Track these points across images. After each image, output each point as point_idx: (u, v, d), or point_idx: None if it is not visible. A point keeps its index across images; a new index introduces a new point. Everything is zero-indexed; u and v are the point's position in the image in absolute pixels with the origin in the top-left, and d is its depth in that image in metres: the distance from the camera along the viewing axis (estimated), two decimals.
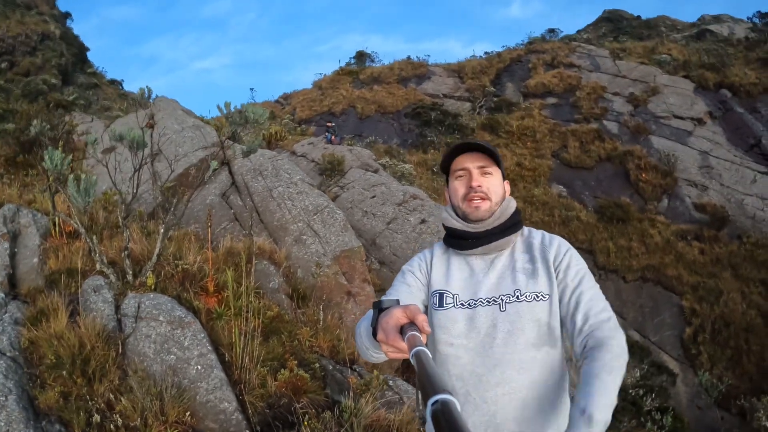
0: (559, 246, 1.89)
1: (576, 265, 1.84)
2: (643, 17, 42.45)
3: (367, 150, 17.17)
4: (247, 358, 5.09)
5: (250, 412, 4.77)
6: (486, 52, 34.07)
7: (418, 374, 0.97)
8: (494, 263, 1.90)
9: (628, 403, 11.10)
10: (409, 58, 32.95)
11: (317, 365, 5.71)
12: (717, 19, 36.58)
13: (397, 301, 1.44)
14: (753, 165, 20.57)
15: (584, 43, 31.08)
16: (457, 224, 1.95)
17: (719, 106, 23.51)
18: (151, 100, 8.13)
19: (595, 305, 1.73)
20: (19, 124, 10.16)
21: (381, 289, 10.87)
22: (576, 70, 27.16)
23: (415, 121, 25.73)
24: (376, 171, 15.20)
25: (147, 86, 6.34)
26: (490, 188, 1.90)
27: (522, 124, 24.08)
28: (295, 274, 8.02)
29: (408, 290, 1.93)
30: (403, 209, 12.75)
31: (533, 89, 26.77)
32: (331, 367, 6.04)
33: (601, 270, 17.04)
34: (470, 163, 1.91)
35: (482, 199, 1.88)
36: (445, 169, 2.00)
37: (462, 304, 1.85)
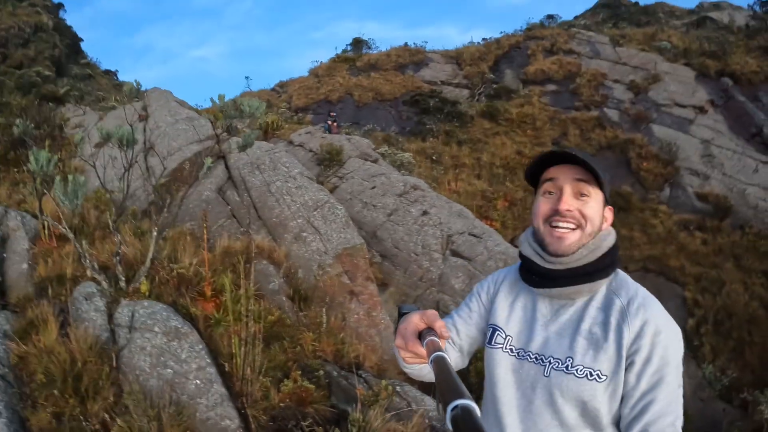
0: (644, 324, 1.41)
1: (659, 360, 1.39)
2: (641, 3, 42.05)
3: (366, 139, 16.87)
4: (249, 369, 4.86)
5: (253, 426, 4.54)
6: (484, 39, 33.55)
7: (437, 380, 0.96)
8: (560, 312, 1.53)
9: None
10: (406, 44, 32.45)
11: (321, 372, 5.50)
12: (716, 6, 36.14)
13: (417, 307, 1.37)
14: (755, 154, 20.34)
15: (583, 30, 30.68)
16: (530, 251, 1.58)
17: (721, 94, 23.21)
18: (143, 90, 7.82)
19: (661, 420, 1.35)
20: (8, 119, 9.85)
21: (383, 284, 10.63)
22: (576, 57, 26.76)
23: (413, 108, 25.41)
24: (375, 161, 14.92)
25: (136, 80, 6.04)
26: (587, 214, 1.50)
27: (521, 112, 23.74)
28: (295, 274, 7.76)
29: (468, 314, 1.74)
30: (404, 200, 12.51)
31: (532, 76, 26.38)
32: (335, 374, 5.82)
33: None
34: (564, 175, 1.51)
35: (571, 228, 1.49)
36: (532, 179, 1.62)
37: (511, 350, 1.57)
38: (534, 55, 27.88)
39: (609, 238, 1.54)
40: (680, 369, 1.41)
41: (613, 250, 1.54)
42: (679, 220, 17.57)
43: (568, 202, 1.49)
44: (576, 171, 1.50)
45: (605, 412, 1.42)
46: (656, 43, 27.22)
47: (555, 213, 1.50)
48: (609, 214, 1.57)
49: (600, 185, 1.51)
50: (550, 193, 1.54)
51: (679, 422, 1.36)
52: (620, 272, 1.55)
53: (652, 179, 19.28)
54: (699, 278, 15.45)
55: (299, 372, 5.14)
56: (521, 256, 1.62)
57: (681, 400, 1.39)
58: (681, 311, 15.00)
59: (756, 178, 19.22)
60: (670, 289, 15.63)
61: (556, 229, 1.50)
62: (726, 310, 14.49)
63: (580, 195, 1.50)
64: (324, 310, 6.76)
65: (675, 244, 16.63)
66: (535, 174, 1.59)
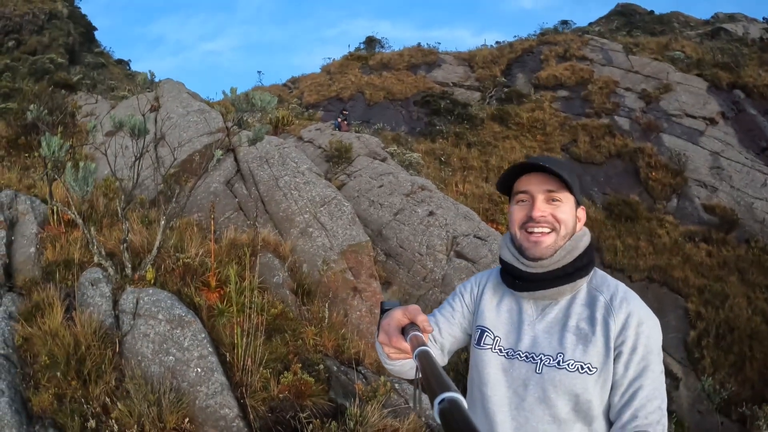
0: (628, 316, 1.51)
1: (643, 348, 1.49)
2: (656, 12, 41.99)
3: (375, 138, 16.91)
4: (249, 359, 4.90)
5: (251, 416, 4.59)
6: (497, 42, 33.66)
7: (422, 374, 0.96)
8: (546, 312, 1.60)
9: None
10: (419, 45, 32.55)
11: (321, 366, 5.53)
12: (731, 17, 36.03)
13: (399, 303, 1.38)
14: (764, 168, 20.24)
15: (597, 36, 30.60)
16: (510, 257, 1.65)
17: (732, 106, 23.10)
18: (156, 80, 7.86)
19: (649, 404, 1.45)
20: (21, 105, 9.92)
21: (386, 283, 10.67)
22: (588, 64, 26.72)
23: (424, 109, 25.41)
24: (384, 160, 14.97)
25: (150, 71, 6.10)
26: (560, 217, 1.57)
27: (532, 117, 23.72)
28: (300, 268, 7.81)
29: (450, 313, 1.77)
30: (410, 200, 12.55)
31: (544, 81, 26.35)
32: (335, 368, 5.86)
33: (607, 268, 16.83)
34: (535, 186, 1.58)
35: (545, 233, 1.57)
36: (504, 188, 1.69)
37: (500, 350, 1.63)
38: (547, 61, 27.86)
39: (585, 238, 1.64)
40: (661, 356, 1.51)
41: (589, 249, 1.63)
42: (685, 231, 17.51)
43: (541, 208, 1.57)
44: (546, 181, 1.58)
45: (597, 404, 1.50)
46: (669, 52, 27.16)
47: (529, 219, 1.58)
48: (582, 213, 1.66)
49: (570, 190, 1.59)
50: (523, 201, 1.62)
51: (664, 404, 1.47)
52: (598, 270, 1.65)
53: (660, 189, 19.23)
54: (702, 290, 15.38)
55: (299, 365, 5.17)
56: (501, 261, 1.70)
57: (664, 385, 1.50)
58: (683, 323, 14.94)
59: (764, 192, 19.12)
60: (673, 300, 15.57)
61: (532, 234, 1.58)
62: (728, 323, 14.42)
63: (551, 200, 1.58)
64: (327, 305, 6.80)
65: (680, 255, 16.57)
66: (508, 185, 1.67)
